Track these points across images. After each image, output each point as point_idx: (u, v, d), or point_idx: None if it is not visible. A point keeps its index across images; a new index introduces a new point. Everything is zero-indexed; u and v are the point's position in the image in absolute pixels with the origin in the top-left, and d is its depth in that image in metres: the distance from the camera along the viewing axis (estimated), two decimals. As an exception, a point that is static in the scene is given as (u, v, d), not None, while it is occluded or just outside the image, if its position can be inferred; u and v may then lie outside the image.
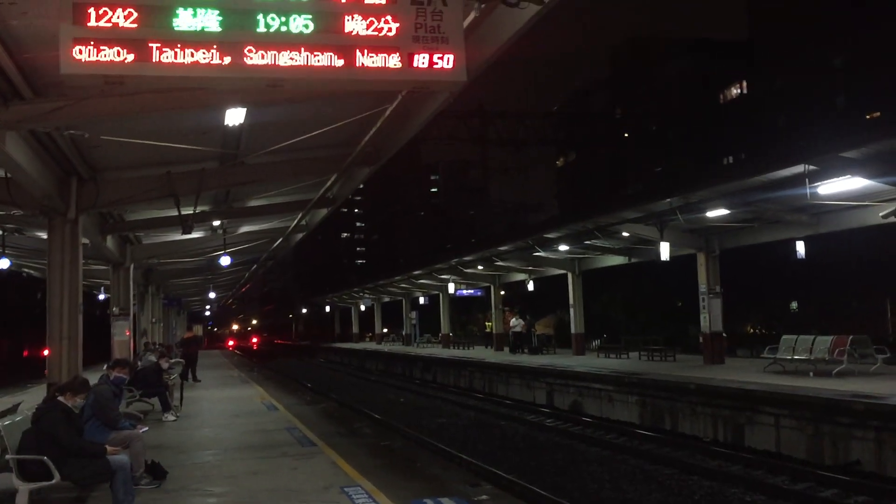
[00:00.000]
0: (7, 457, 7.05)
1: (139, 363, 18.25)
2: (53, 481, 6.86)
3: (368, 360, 47.88)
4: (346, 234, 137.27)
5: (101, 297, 31.46)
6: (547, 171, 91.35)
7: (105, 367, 11.45)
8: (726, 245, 21.73)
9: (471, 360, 31.24)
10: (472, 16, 6.88)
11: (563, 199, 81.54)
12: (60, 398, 7.45)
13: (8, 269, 20.35)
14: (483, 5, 6.84)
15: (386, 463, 10.42)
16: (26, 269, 27.62)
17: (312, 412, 16.90)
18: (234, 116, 9.73)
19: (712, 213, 18.16)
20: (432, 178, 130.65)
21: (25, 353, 61.87)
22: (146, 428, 10.18)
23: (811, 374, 17.13)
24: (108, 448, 7.37)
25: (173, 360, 20.60)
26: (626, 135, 70.41)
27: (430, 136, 50.47)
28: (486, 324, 56.81)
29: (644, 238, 21.51)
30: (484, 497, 8.27)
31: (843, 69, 45.64)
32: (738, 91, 58.59)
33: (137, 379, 15.42)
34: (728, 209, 17.83)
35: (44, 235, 13.12)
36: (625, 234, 21.59)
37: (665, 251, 20.48)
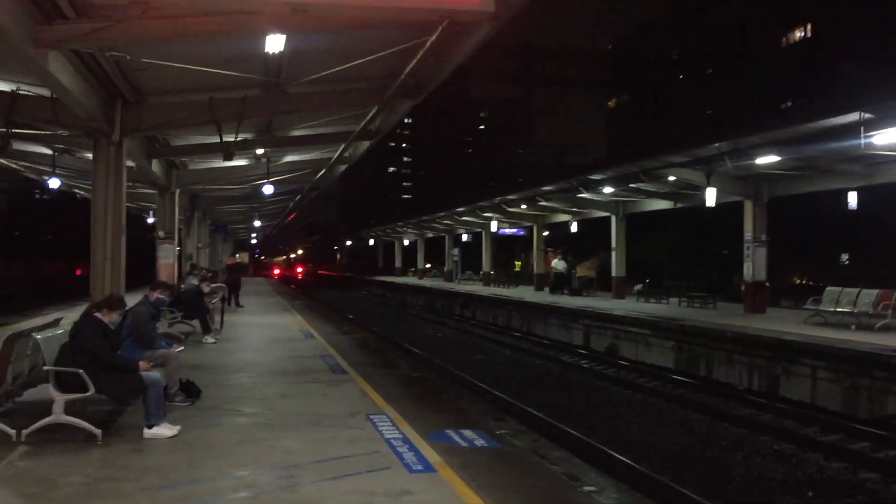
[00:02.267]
0: (45, 368, 7.30)
1: (182, 286, 18.70)
2: (88, 393, 7.09)
3: (409, 294, 48.31)
4: (393, 169, 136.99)
5: (151, 220, 32.05)
6: (596, 112, 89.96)
7: (149, 288, 11.73)
8: (775, 193, 21.18)
9: (510, 298, 31.32)
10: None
11: (613, 140, 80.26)
12: (97, 314, 7.65)
13: (59, 188, 20.84)
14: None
15: (415, 394, 10.55)
16: (78, 191, 28.20)
17: (348, 342, 17.15)
18: (275, 43, 9.64)
19: (762, 160, 17.68)
20: (481, 115, 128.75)
21: (78, 273, 63.62)
22: (182, 347, 10.45)
23: (853, 327, 16.79)
24: (142, 364, 7.58)
25: (215, 285, 21.03)
26: (680, 77, 68.64)
27: (480, 72, 49.78)
28: (516, 263, 56.60)
29: (691, 183, 21.08)
30: (505, 431, 8.36)
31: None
32: (802, 34, 56.49)
33: (180, 301, 15.85)
34: (778, 156, 17.30)
35: (91, 156, 13.29)
36: (671, 178, 21.20)
37: (711, 197, 20.08)
